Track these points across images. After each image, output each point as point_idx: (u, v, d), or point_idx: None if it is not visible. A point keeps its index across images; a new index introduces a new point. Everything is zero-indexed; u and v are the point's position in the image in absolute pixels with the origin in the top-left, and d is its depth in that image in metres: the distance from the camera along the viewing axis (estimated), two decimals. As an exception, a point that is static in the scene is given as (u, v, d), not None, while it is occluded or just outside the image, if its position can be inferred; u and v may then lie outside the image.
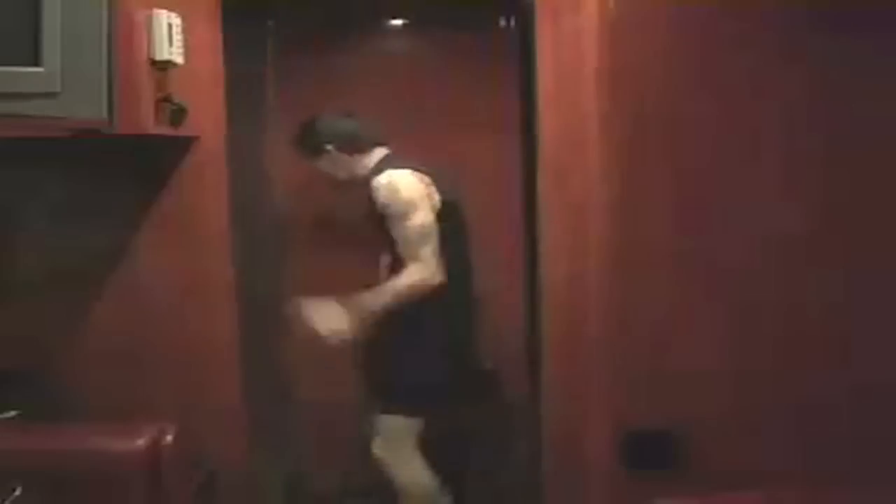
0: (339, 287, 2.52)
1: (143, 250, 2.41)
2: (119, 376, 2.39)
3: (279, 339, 3.00)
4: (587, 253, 2.19)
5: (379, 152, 2.66)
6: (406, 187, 2.51)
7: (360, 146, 2.67)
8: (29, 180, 2.35)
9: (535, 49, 2.29)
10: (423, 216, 2.49)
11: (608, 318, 2.09)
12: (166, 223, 2.41)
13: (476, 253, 2.73)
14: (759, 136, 2.00)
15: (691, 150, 2.01)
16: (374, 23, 3.17)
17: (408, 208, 2.50)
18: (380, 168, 2.59)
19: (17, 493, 1.79)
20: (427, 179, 2.55)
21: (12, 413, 2.20)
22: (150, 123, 2.03)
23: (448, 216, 2.56)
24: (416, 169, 2.56)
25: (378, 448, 2.67)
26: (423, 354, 2.60)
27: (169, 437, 2.02)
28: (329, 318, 2.49)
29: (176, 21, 2.08)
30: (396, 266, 2.56)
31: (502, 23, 3.08)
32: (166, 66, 2.07)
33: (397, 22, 3.20)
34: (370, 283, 2.60)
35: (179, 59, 2.11)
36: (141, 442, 1.99)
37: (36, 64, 1.29)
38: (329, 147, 2.67)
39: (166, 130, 2.13)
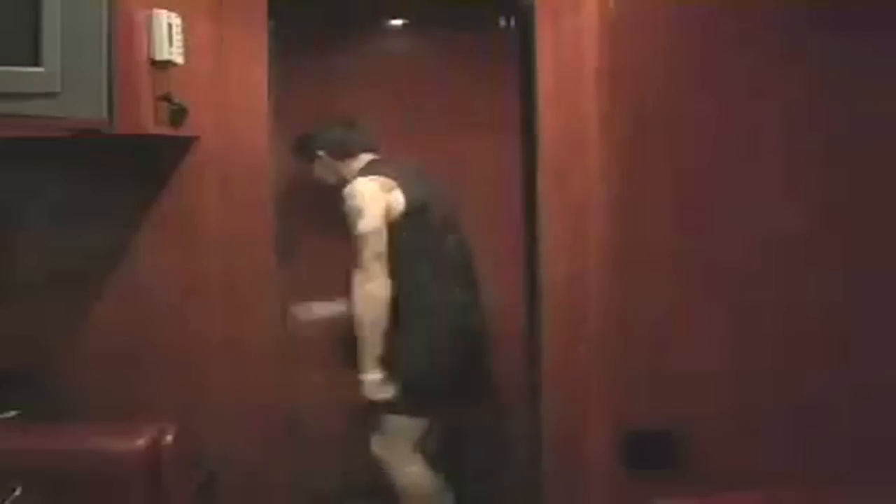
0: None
1: (143, 250, 2.42)
2: (119, 376, 2.39)
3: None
4: (587, 253, 2.19)
5: (365, 158, 2.73)
6: (358, 194, 2.58)
7: (348, 152, 2.75)
8: (29, 180, 2.35)
9: (535, 49, 2.30)
10: (365, 223, 2.54)
11: (608, 318, 2.09)
12: (166, 223, 2.41)
13: (476, 253, 2.72)
14: (759, 136, 1.99)
15: (691, 150, 2.00)
16: (375, 23, 3.17)
17: (354, 215, 2.56)
18: (364, 173, 2.65)
19: (17, 493, 1.79)
20: (391, 185, 2.59)
21: (12, 413, 2.21)
22: (149, 123, 2.03)
23: (414, 219, 2.59)
24: (391, 174, 2.60)
25: (377, 446, 2.68)
26: (429, 354, 2.61)
27: (169, 437, 2.02)
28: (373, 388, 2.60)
29: (176, 21, 2.09)
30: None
31: (502, 23, 3.08)
32: (166, 65, 2.07)
33: (397, 22, 3.20)
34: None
35: (179, 59, 2.11)
36: (141, 442, 1.99)
37: (36, 64, 1.30)
38: (321, 153, 2.78)
39: (166, 130, 2.13)
